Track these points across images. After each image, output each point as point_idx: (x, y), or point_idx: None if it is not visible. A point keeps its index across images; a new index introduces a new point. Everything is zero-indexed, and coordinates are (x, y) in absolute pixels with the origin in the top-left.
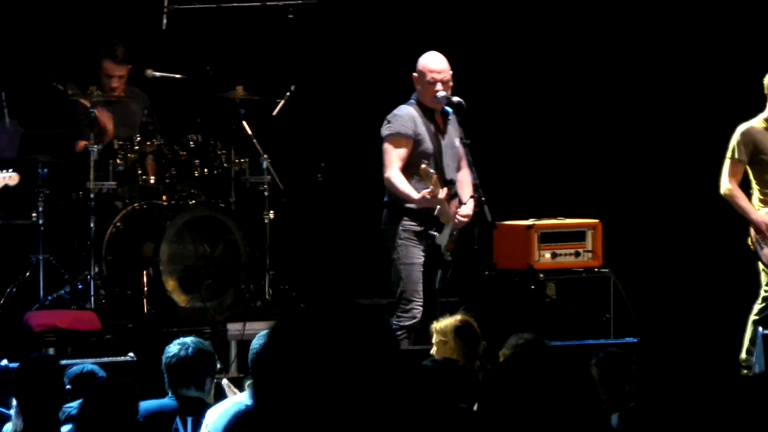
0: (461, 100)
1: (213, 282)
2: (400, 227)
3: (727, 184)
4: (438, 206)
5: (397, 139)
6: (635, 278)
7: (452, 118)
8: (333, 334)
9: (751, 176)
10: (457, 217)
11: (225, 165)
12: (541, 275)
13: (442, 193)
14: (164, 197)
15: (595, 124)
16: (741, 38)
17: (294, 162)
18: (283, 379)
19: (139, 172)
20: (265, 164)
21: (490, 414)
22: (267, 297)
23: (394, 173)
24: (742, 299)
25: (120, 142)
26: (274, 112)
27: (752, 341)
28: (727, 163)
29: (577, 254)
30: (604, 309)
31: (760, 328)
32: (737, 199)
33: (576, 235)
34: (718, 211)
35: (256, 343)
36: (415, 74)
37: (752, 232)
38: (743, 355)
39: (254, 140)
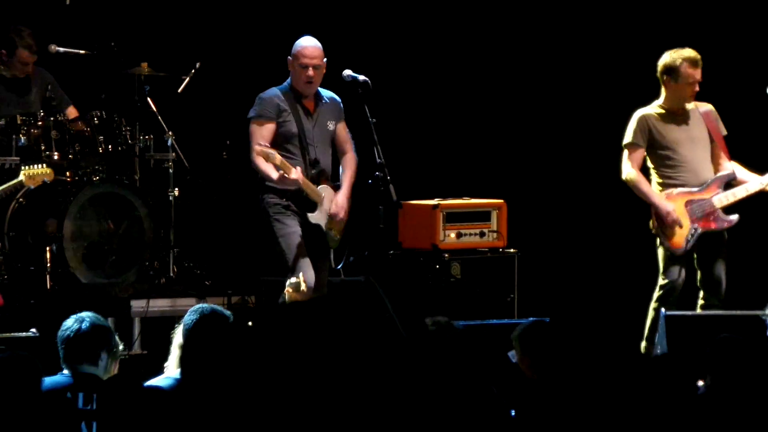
0: (367, 78)
1: (117, 259)
2: (266, 204)
3: (629, 170)
4: (300, 185)
5: (260, 121)
6: (539, 258)
7: (328, 103)
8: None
9: (649, 161)
10: (332, 208)
11: (129, 141)
12: (446, 255)
13: (295, 173)
14: (68, 173)
15: (499, 105)
16: (638, 23)
17: (199, 139)
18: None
19: (43, 147)
20: (170, 141)
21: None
22: (171, 274)
23: (254, 154)
24: (644, 281)
25: (23, 118)
26: (180, 89)
27: (652, 329)
28: (626, 149)
29: (482, 234)
30: (508, 289)
31: (663, 309)
32: (639, 184)
33: (481, 215)
34: (622, 193)
35: (189, 318)
36: (289, 58)
37: (654, 216)
38: (643, 343)
39: (159, 117)
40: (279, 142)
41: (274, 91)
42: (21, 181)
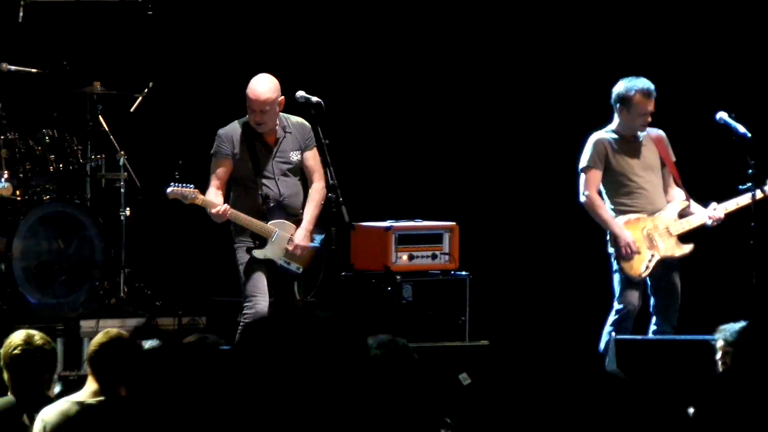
0: (320, 100)
1: (67, 278)
2: (234, 231)
3: (587, 194)
4: (224, 220)
5: (217, 158)
6: (491, 281)
7: (293, 132)
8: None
9: (602, 187)
10: (290, 245)
11: (81, 161)
12: (398, 277)
13: (216, 209)
14: (18, 192)
15: (452, 128)
16: (590, 46)
17: (151, 159)
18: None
19: None
20: (121, 161)
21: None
22: (122, 294)
23: (208, 189)
24: (596, 303)
25: None
26: (132, 109)
27: (605, 353)
28: (583, 173)
29: (434, 257)
30: (459, 311)
31: (613, 333)
32: (598, 209)
33: (433, 238)
34: (574, 215)
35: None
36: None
37: (613, 242)
38: None
39: (111, 136)
40: (238, 177)
41: (232, 126)
42: None
